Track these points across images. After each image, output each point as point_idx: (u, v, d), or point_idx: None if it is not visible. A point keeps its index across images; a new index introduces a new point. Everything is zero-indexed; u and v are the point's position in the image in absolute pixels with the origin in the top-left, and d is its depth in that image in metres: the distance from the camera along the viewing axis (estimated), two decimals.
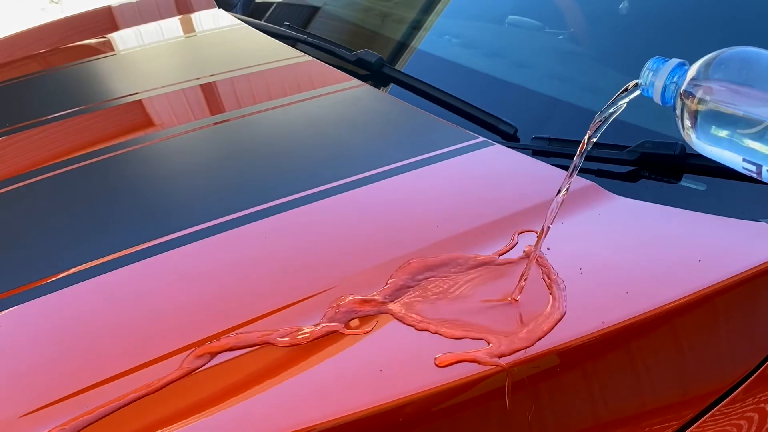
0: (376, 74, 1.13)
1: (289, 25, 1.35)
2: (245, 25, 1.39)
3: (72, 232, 0.81)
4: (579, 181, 0.81)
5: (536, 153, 0.89)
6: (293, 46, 1.25)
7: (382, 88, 1.10)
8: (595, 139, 0.62)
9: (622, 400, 0.65)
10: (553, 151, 0.89)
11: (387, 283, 0.67)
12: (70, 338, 0.66)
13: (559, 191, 0.64)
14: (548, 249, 0.71)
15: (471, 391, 0.58)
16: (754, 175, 0.51)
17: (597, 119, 0.62)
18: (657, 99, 0.56)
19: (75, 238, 0.79)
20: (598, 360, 0.63)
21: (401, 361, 0.60)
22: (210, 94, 1.15)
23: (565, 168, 0.83)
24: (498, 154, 0.88)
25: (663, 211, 0.77)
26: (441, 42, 1.22)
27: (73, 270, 0.73)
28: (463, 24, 1.29)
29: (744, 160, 0.51)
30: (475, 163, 0.87)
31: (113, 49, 1.42)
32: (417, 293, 0.66)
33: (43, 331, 0.66)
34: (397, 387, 0.57)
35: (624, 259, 0.70)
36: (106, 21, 1.59)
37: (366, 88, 1.08)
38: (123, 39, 1.46)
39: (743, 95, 0.50)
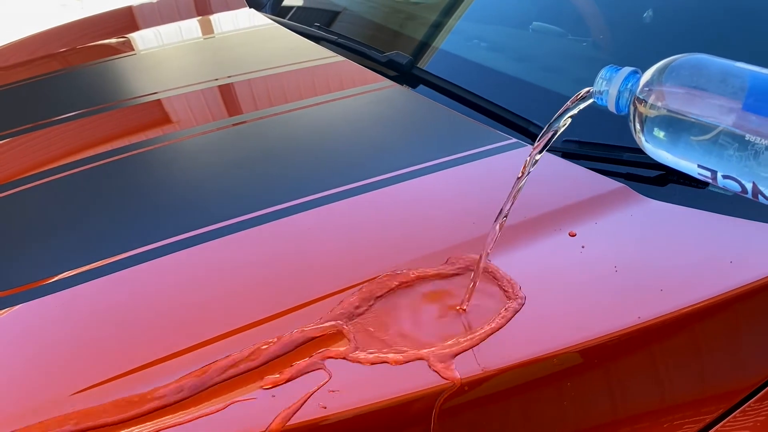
0: (406, 75, 1.15)
1: (319, 26, 1.38)
2: (276, 24, 1.41)
3: (95, 227, 0.83)
4: (611, 184, 0.83)
5: (566, 155, 0.92)
6: (324, 46, 1.27)
7: (412, 89, 1.12)
8: (540, 156, 0.63)
9: (657, 393, 0.67)
10: (584, 153, 0.91)
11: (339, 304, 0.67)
12: (107, 325, 0.68)
13: (500, 212, 0.66)
14: (582, 248, 0.73)
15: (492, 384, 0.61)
16: (710, 181, 0.51)
17: (546, 132, 0.62)
18: (611, 107, 0.56)
19: (100, 233, 0.81)
20: (634, 354, 0.65)
21: None
22: (244, 92, 1.18)
23: (597, 170, 0.85)
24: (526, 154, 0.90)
25: (693, 214, 0.79)
26: (470, 45, 1.24)
27: (98, 263, 0.75)
28: (491, 28, 1.31)
29: (699, 166, 0.51)
30: (508, 163, 0.89)
31: (137, 48, 1.44)
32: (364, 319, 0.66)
33: (84, 315, 0.69)
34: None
35: (657, 258, 0.72)
36: (132, 20, 1.62)
37: (397, 88, 1.11)
38: (154, 37, 1.48)
39: (696, 102, 0.50)
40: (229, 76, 1.20)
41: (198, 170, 0.95)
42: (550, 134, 0.62)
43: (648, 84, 0.53)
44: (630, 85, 0.55)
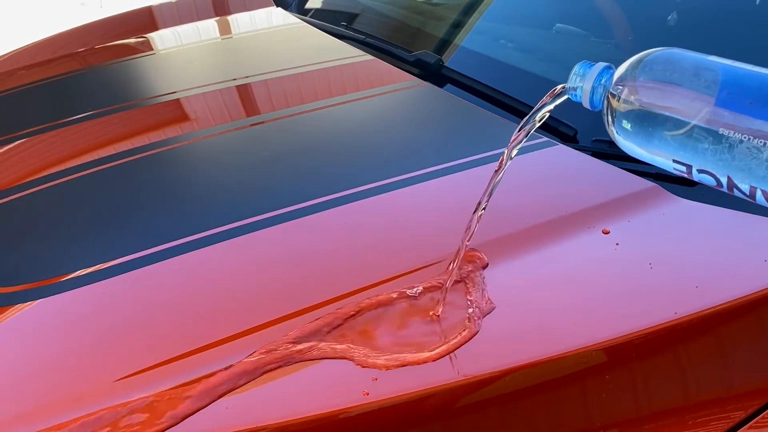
0: (434, 75, 1.16)
1: (346, 25, 1.39)
2: (302, 22, 1.43)
3: (117, 225, 0.84)
4: (642, 183, 0.84)
5: (596, 155, 0.93)
6: (351, 44, 1.29)
7: (441, 88, 1.14)
8: (516, 151, 0.63)
9: (693, 389, 0.68)
10: (613, 153, 0.92)
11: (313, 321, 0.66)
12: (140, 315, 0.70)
13: (476, 209, 0.66)
14: (617, 245, 0.74)
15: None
16: (685, 176, 0.51)
17: (522, 127, 0.62)
18: (585, 103, 0.56)
19: (122, 231, 0.83)
20: (670, 349, 0.66)
21: None
22: (271, 90, 1.19)
23: (628, 170, 0.86)
24: (561, 154, 0.92)
25: (724, 213, 0.80)
26: (497, 45, 1.25)
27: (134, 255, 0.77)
28: (515, 29, 1.32)
29: (674, 161, 0.51)
30: (540, 161, 0.90)
31: (163, 47, 1.46)
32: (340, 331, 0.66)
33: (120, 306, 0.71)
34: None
35: (691, 256, 0.73)
36: (154, 19, 1.64)
37: (426, 87, 1.12)
38: (182, 37, 1.50)
39: (670, 96, 0.50)
40: (255, 75, 1.22)
41: (222, 169, 0.97)
42: (526, 130, 0.62)
43: (621, 79, 0.53)
44: (604, 80, 0.55)
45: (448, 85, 1.15)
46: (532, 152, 0.91)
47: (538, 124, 0.62)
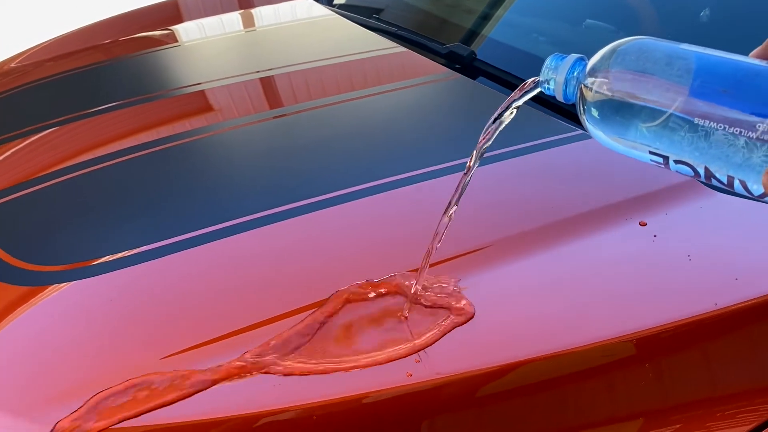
0: (467, 67, 1.17)
1: (378, 17, 1.40)
2: (335, 15, 1.44)
3: (142, 212, 0.86)
4: (679, 177, 0.84)
5: None
6: (383, 36, 1.30)
7: (473, 80, 1.14)
8: (488, 144, 0.62)
9: (726, 380, 0.69)
10: None
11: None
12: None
13: (448, 205, 0.65)
14: (654, 236, 0.75)
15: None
16: (662, 167, 0.50)
17: (491, 125, 0.61)
18: (559, 96, 0.55)
19: (150, 218, 0.84)
20: (710, 340, 0.67)
21: None
22: (303, 81, 1.20)
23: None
24: (597, 146, 0.92)
25: (762, 208, 0.80)
26: (529, 38, 1.26)
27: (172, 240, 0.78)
28: (547, 23, 1.33)
29: (650, 152, 0.50)
30: (576, 153, 0.91)
31: (179, 41, 1.48)
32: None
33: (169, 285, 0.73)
34: None
35: (729, 249, 0.74)
36: (179, 12, 1.65)
37: (458, 79, 1.13)
38: (213, 27, 1.52)
39: (644, 86, 0.49)
40: (288, 66, 1.23)
41: (249, 159, 0.98)
42: (494, 127, 0.61)
43: (594, 70, 0.52)
44: (576, 72, 0.53)
45: (481, 77, 1.16)
46: (569, 144, 0.91)
47: (507, 121, 0.61)
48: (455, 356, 0.62)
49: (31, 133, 1.06)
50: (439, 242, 0.65)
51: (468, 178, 0.64)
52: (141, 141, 1.01)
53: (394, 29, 1.31)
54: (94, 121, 1.10)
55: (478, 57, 1.18)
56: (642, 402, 0.66)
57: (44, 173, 0.95)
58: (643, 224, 0.77)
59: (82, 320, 0.70)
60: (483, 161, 0.88)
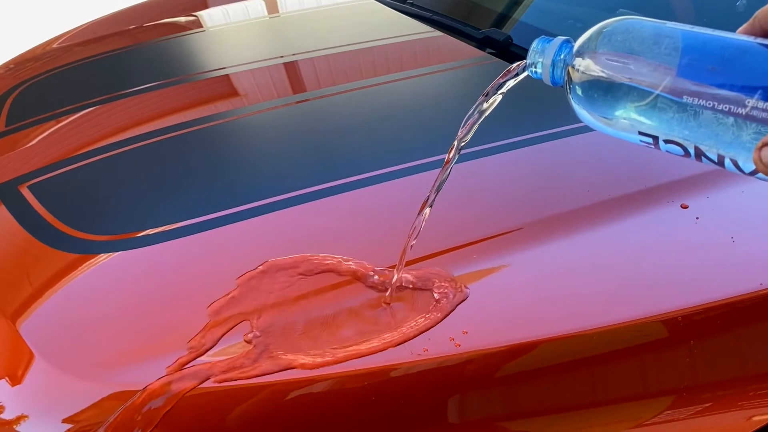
0: (503, 52, 1.17)
1: (412, 3, 1.41)
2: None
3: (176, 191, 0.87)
4: None
5: None
6: (420, 21, 1.30)
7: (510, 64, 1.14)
8: (465, 143, 0.62)
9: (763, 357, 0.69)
10: None
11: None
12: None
13: (422, 208, 0.65)
14: (697, 218, 0.75)
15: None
16: (652, 147, 0.50)
17: (472, 113, 0.60)
18: (546, 79, 0.54)
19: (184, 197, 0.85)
20: (755, 319, 0.67)
21: None
22: (342, 63, 1.21)
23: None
24: None
25: None
26: (565, 25, 1.26)
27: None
28: (582, 10, 1.32)
29: (640, 133, 0.49)
30: (604, 139, 0.91)
31: (204, 26, 1.49)
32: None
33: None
34: None
35: None
36: None
37: (495, 63, 1.13)
38: (254, 10, 1.53)
39: (631, 67, 0.48)
40: (327, 48, 1.24)
41: (286, 139, 0.99)
42: (476, 116, 0.61)
43: (581, 52, 0.51)
44: (563, 55, 0.53)
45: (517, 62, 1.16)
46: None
47: (491, 109, 0.61)
48: (498, 330, 0.63)
49: (71, 113, 1.08)
50: (414, 239, 0.65)
51: (447, 173, 0.64)
52: (173, 122, 1.03)
53: (428, 14, 1.31)
54: (130, 101, 1.12)
55: (514, 42, 1.18)
56: (676, 379, 0.67)
57: (87, 150, 0.97)
58: (685, 207, 0.77)
59: (128, 288, 0.72)
60: (531, 141, 0.90)
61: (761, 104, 0.43)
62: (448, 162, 0.63)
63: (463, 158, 0.86)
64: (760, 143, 0.42)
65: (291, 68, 1.21)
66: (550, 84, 0.54)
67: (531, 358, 0.63)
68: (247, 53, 1.29)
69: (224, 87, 1.18)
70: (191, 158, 0.94)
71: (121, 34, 1.45)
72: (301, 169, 0.89)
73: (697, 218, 0.75)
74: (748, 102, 0.43)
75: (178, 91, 1.16)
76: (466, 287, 0.67)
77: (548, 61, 0.53)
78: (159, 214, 0.81)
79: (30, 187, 0.86)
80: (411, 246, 0.66)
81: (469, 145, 0.86)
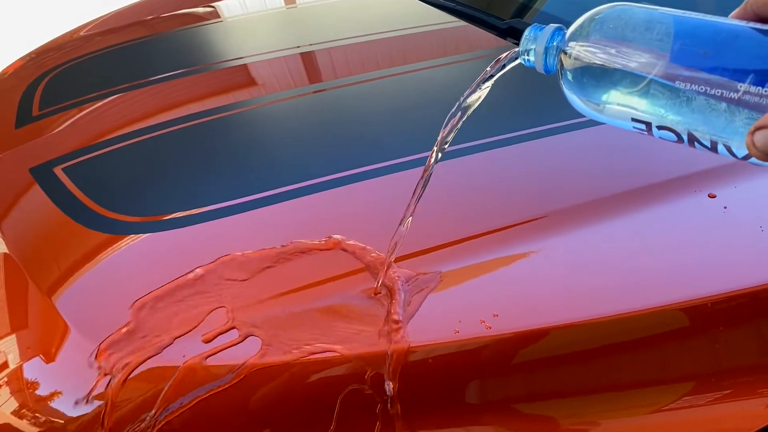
0: None
1: None
2: None
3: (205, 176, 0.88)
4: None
5: None
6: (444, 11, 1.31)
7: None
8: (452, 137, 0.61)
9: None
10: None
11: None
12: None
13: (414, 194, 0.65)
14: (725, 208, 0.75)
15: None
16: (645, 133, 0.50)
17: (461, 104, 0.60)
18: (539, 67, 0.54)
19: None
20: None
21: None
22: (373, 50, 1.22)
23: None
24: None
25: None
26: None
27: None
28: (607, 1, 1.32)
29: (633, 119, 0.49)
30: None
31: (222, 17, 1.50)
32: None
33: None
34: None
35: None
36: None
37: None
38: (271, 1, 1.54)
39: (624, 53, 0.48)
40: (353, 37, 1.25)
41: (316, 126, 1.00)
42: (465, 107, 0.61)
43: (574, 38, 0.51)
44: (556, 42, 0.52)
45: None
46: None
47: (480, 100, 0.60)
48: (527, 314, 0.64)
49: (97, 99, 1.10)
50: (407, 228, 0.66)
51: (429, 172, 0.64)
52: (195, 110, 1.04)
53: (450, 3, 1.32)
54: (154, 89, 1.14)
55: None
56: (697, 365, 0.68)
57: (116, 135, 0.98)
58: (713, 196, 0.77)
59: (155, 270, 0.73)
60: (563, 129, 0.89)
61: (753, 89, 0.43)
62: (429, 165, 0.64)
63: (491, 145, 0.87)
64: (752, 127, 0.41)
65: (308, 58, 1.22)
66: (543, 72, 0.54)
67: (556, 342, 0.64)
68: (265, 43, 1.30)
69: (243, 76, 1.19)
70: (215, 145, 0.95)
71: (142, 24, 1.47)
72: (323, 156, 0.90)
73: (725, 208, 0.75)
74: (741, 86, 0.43)
75: (199, 79, 1.17)
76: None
77: (541, 49, 0.53)
78: (186, 197, 0.83)
79: (64, 170, 0.88)
80: (395, 249, 0.67)
81: (494, 132, 0.89)
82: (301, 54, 1.22)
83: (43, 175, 0.88)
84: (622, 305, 0.65)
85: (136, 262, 0.74)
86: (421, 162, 0.83)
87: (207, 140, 0.96)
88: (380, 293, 0.67)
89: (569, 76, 0.51)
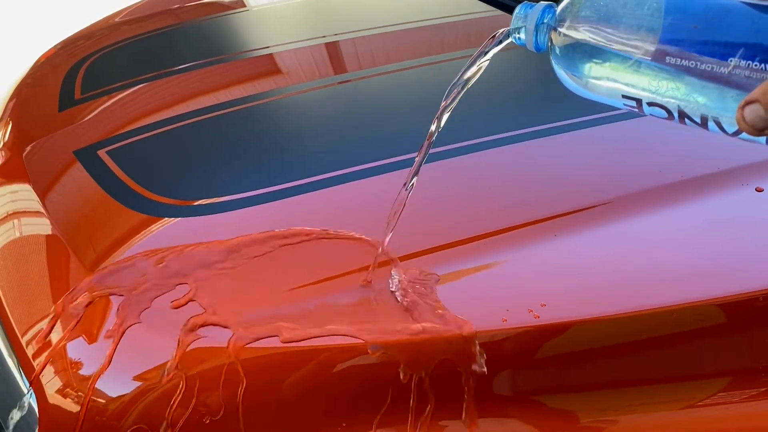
0: None
1: None
2: None
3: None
4: None
5: None
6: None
7: None
8: (446, 117, 0.61)
9: None
10: None
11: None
12: None
13: (405, 184, 0.65)
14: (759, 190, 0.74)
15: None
16: (636, 110, 0.49)
17: (455, 84, 0.60)
18: (530, 45, 0.53)
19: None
20: None
21: None
22: (408, 39, 1.22)
23: None
24: None
25: None
26: None
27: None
28: None
29: (623, 96, 0.49)
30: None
31: (247, 5, 1.51)
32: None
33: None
34: None
35: None
36: None
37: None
38: None
39: (614, 28, 0.47)
40: (396, 24, 1.25)
41: (348, 115, 1.01)
42: (459, 87, 0.60)
43: (564, 16, 0.50)
44: (547, 19, 0.52)
45: None
46: None
47: (474, 80, 0.60)
48: (574, 304, 0.64)
49: (131, 86, 1.11)
50: (401, 212, 0.66)
51: (431, 142, 0.64)
52: (224, 99, 1.05)
53: None
54: (191, 75, 1.14)
55: None
56: (734, 361, 0.67)
57: (155, 121, 1.00)
58: (760, 190, 0.76)
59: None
60: (611, 118, 0.88)
61: (743, 63, 0.43)
62: (431, 134, 0.63)
63: (540, 134, 0.87)
64: (742, 102, 0.41)
65: (332, 48, 1.22)
66: (534, 50, 0.53)
67: (599, 332, 0.63)
68: (292, 32, 1.30)
69: (271, 66, 1.20)
70: (247, 133, 0.96)
71: (170, 13, 1.48)
72: (353, 147, 0.90)
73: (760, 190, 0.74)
74: (731, 61, 0.43)
75: (229, 68, 1.18)
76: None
77: (531, 26, 0.52)
78: (221, 183, 0.83)
79: (108, 153, 0.90)
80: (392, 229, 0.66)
81: (541, 121, 0.88)
82: (326, 44, 1.22)
83: (87, 157, 0.90)
84: (665, 298, 0.64)
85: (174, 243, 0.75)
86: (452, 153, 0.84)
87: (238, 129, 0.97)
88: (371, 282, 0.67)
89: (559, 54, 0.51)
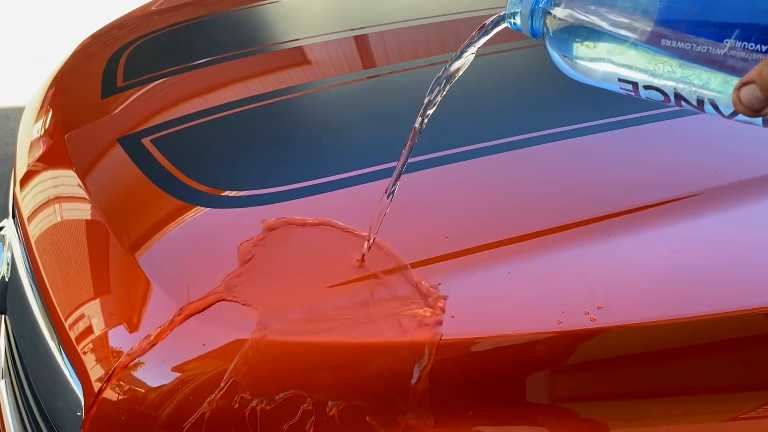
0: None
1: None
2: None
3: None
4: None
5: None
6: None
7: None
8: (432, 111, 0.60)
9: None
10: None
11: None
12: None
13: (391, 184, 0.65)
14: None
15: None
16: (632, 94, 0.49)
17: (446, 70, 0.59)
18: (525, 30, 0.53)
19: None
20: None
21: None
22: (432, 34, 1.22)
23: None
24: None
25: None
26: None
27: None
28: None
29: (619, 80, 0.49)
30: (700, 121, 0.87)
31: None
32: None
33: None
34: None
35: None
36: None
37: None
38: None
39: (610, 11, 0.47)
40: (424, 17, 1.24)
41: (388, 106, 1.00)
42: (449, 74, 0.59)
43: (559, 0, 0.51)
44: (542, 3, 0.52)
45: None
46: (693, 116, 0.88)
47: (465, 68, 0.59)
48: (630, 308, 0.63)
49: (172, 74, 1.12)
50: (389, 210, 0.66)
51: (414, 141, 0.63)
52: (258, 92, 1.04)
53: None
54: (226, 65, 1.14)
55: None
56: None
57: (198, 110, 1.00)
58: None
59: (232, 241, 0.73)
60: (657, 117, 0.87)
61: (739, 44, 0.42)
62: (416, 131, 0.63)
63: (589, 130, 0.86)
64: (738, 83, 0.41)
65: (361, 41, 1.21)
66: (530, 35, 0.53)
67: (657, 337, 0.63)
68: (325, 24, 1.30)
69: (302, 59, 1.19)
70: (280, 126, 0.96)
71: (201, 3, 1.48)
72: (388, 142, 0.88)
73: None
74: (726, 42, 0.43)
75: (261, 60, 1.18)
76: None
77: (527, 11, 0.52)
78: (260, 176, 0.84)
79: (152, 141, 0.91)
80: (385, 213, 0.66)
81: (596, 117, 0.86)
82: (355, 37, 1.22)
83: (131, 145, 0.91)
84: (710, 307, 0.64)
85: (214, 233, 0.75)
86: (483, 152, 0.83)
87: (271, 123, 0.97)
88: (363, 263, 0.67)
89: (555, 38, 0.51)
